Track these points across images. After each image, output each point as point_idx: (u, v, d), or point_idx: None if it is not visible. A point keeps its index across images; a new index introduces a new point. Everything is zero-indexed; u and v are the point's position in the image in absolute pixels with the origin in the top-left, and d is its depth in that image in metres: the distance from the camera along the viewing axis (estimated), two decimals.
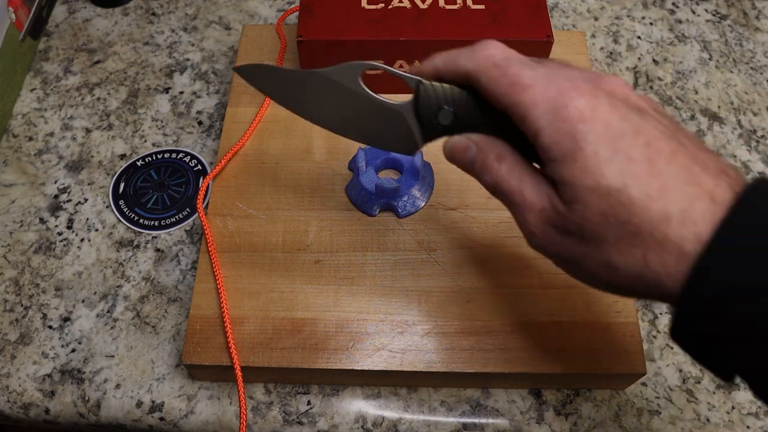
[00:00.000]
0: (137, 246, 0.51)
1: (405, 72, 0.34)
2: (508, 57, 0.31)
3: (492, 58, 0.31)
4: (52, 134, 0.58)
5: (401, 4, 0.51)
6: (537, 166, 0.32)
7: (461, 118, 0.33)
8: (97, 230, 0.52)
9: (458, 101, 0.33)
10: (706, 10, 0.67)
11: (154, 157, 0.56)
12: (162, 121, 0.58)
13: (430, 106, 0.34)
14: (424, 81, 0.33)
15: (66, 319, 0.48)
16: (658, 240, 0.26)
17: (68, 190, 0.54)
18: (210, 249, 0.46)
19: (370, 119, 0.35)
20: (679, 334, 0.28)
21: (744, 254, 0.25)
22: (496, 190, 0.33)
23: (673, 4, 0.67)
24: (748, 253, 0.25)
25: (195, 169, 0.55)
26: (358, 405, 0.45)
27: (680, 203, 0.26)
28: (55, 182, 0.55)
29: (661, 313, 0.49)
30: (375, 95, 0.35)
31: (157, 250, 0.51)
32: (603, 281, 0.30)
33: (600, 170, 0.27)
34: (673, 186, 0.27)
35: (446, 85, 0.33)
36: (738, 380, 0.28)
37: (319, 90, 0.36)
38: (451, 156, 0.34)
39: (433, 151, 0.39)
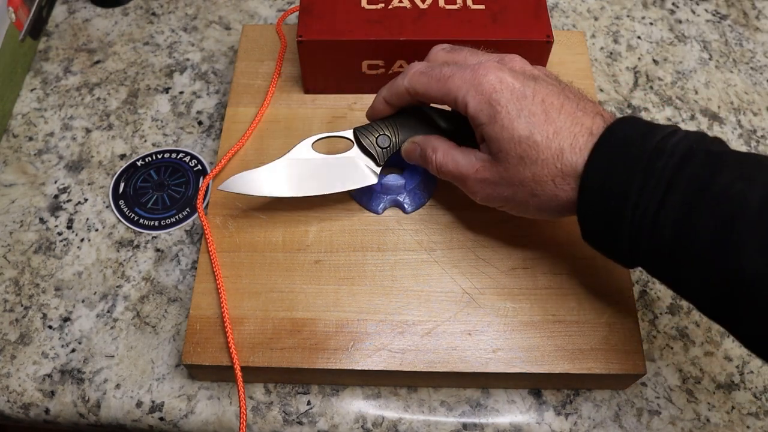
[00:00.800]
0: (137, 246, 0.51)
1: (340, 132, 0.45)
2: (429, 65, 0.41)
3: (418, 70, 0.41)
4: (52, 134, 0.58)
5: (401, 4, 0.51)
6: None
7: (393, 135, 0.44)
8: (97, 230, 0.52)
9: (385, 126, 0.44)
10: (706, 10, 0.67)
11: (154, 157, 0.56)
12: (162, 121, 0.58)
13: (369, 140, 0.44)
14: (357, 126, 0.45)
15: (66, 319, 0.48)
16: (559, 168, 0.36)
17: (68, 190, 0.54)
18: (210, 249, 0.46)
19: (335, 173, 0.44)
20: (585, 232, 0.37)
21: (608, 160, 0.34)
22: (440, 173, 0.43)
23: (673, 4, 0.67)
24: (611, 158, 0.34)
25: (195, 169, 0.55)
26: (358, 405, 0.45)
27: (569, 139, 0.36)
28: (55, 182, 0.55)
29: (661, 313, 0.49)
30: (328, 155, 0.45)
31: (157, 250, 0.51)
32: (533, 208, 0.39)
33: (512, 125, 0.37)
34: (564, 128, 0.36)
35: (372, 122, 0.45)
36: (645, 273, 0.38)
37: (287, 171, 0.44)
38: (406, 157, 0.45)
39: None
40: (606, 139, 0.35)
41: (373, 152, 0.44)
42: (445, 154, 0.42)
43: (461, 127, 0.42)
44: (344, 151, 0.45)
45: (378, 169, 0.45)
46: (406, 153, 0.45)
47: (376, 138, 0.44)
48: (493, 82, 0.38)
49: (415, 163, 0.45)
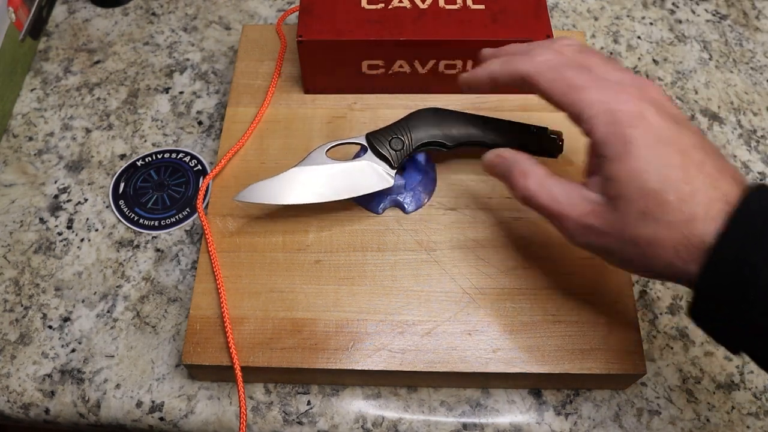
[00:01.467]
0: (137, 246, 0.51)
1: (353, 139, 0.46)
2: (562, 62, 0.36)
3: (548, 62, 0.36)
4: (52, 134, 0.58)
5: (401, 4, 0.51)
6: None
7: (406, 138, 0.45)
8: (97, 230, 0.52)
9: (397, 129, 0.45)
10: (706, 10, 0.67)
11: (154, 157, 0.56)
12: (162, 121, 0.58)
13: (382, 143, 0.45)
14: (369, 132, 0.45)
15: (66, 319, 0.48)
16: (686, 235, 0.31)
17: (68, 190, 0.54)
18: (210, 249, 0.46)
19: (351, 178, 0.45)
20: (696, 312, 0.32)
21: (745, 234, 0.30)
22: (527, 202, 0.37)
23: (673, 4, 0.67)
24: (749, 233, 0.30)
25: (195, 169, 0.55)
26: (358, 405, 0.45)
27: (704, 205, 0.31)
28: (55, 182, 0.55)
29: (661, 314, 0.49)
30: (343, 161, 0.45)
31: (157, 250, 0.51)
32: (637, 267, 0.34)
33: (644, 173, 0.32)
34: (701, 191, 0.31)
35: (384, 127, 0.45)
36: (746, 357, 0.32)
37: (304, 178, 0.45)
38: (485, 169, 0.41)
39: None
40: (744, 212, 0.30)
41: (388, 156, 0.45)
42: (541, 184, 0.36)
43: (470, 144, 0.44)
44: (356, 156, 0.45)
45: (393, 172, 0.45)
46: (487, 165, 0.40)
47: (389, 141, 0.45)
48: (631, 114, 0.33)
49: (494, 177, 0.40)
